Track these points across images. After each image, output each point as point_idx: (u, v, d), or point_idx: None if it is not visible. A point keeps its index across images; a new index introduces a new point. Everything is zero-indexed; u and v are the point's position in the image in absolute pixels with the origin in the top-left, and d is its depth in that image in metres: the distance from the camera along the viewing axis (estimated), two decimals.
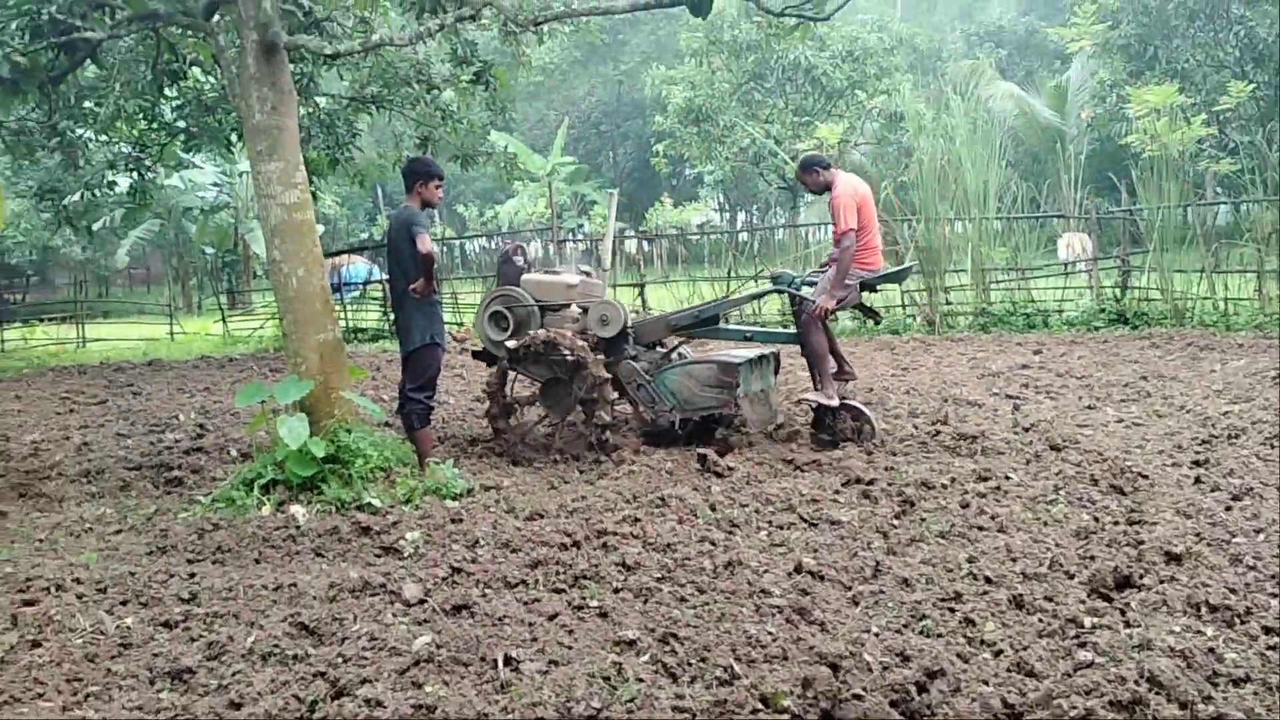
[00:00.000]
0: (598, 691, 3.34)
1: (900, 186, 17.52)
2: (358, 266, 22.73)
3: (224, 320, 20.99)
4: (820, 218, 25.76)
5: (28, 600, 4.53)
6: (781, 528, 5.28)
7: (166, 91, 11.29)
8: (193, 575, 4.83)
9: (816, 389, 7.32)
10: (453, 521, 5.51)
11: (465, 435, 7.97)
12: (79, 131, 12.47)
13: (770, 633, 3.79)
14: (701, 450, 6.69)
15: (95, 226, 25.23)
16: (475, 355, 8.14)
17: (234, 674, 3.64)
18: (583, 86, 48.14)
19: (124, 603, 4.51)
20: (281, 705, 3.35)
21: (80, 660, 3.86)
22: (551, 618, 4.07)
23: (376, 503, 5.89)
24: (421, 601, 4.28)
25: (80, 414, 10.50)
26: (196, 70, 11.42)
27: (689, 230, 30.42)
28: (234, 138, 12.79)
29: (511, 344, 7.22)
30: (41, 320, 23.38)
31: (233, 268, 32.20)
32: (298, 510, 5.81)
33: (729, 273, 16.65)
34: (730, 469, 6.42)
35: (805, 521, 5.37)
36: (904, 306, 15.37)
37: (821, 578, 4.44)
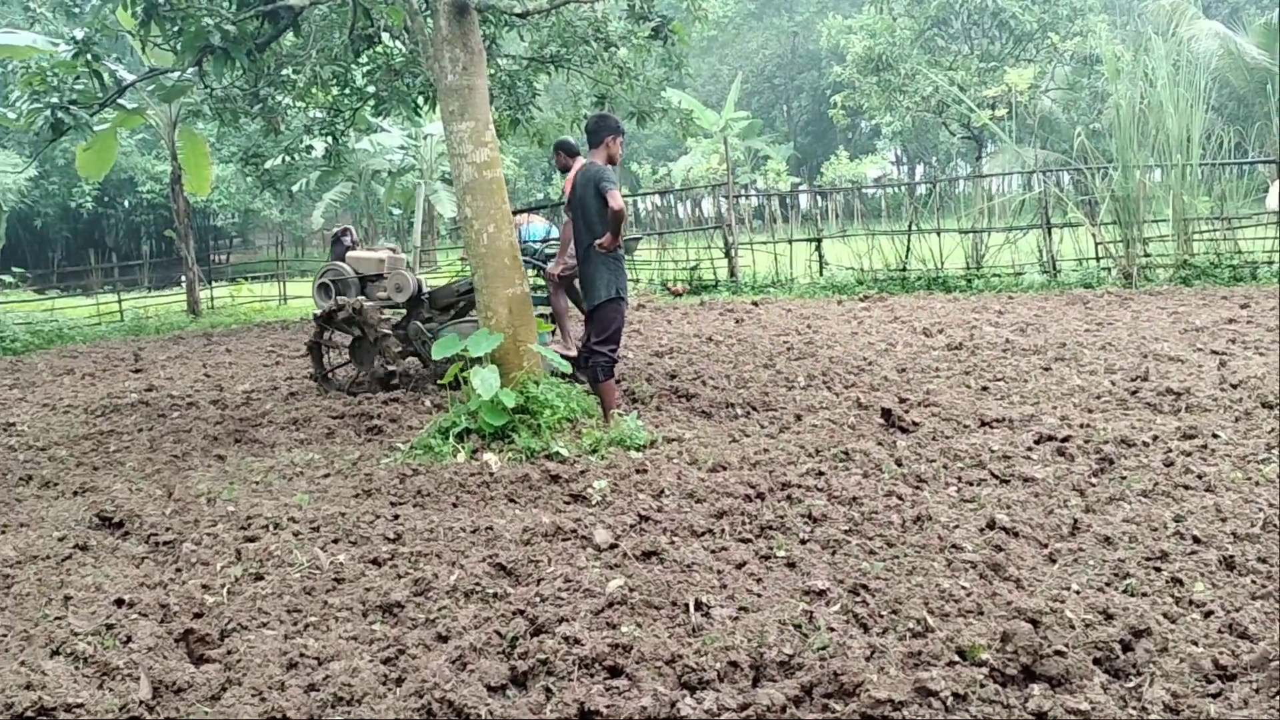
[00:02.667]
0: (789, 638, 3.36)
1: (1093, 134, 16.67)
2: (536, 225, 23.20)
3: None
4: (1003, 168, 24.78)
5: (249, 537, 4.88)
6: (972, 484, 5.16)
7: (358, 58, 11.74)
8: (396, 517, 5.09)
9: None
10: (638, 472, 5.62)
11: (646, 390, 8.08)
12: (279, 98, 13.16)
13: (964, 587, 3.72)
14: (885, 405, 6.60)
15: (293, 189, 26.58)
16: (315, 318, 9.56)
17: (440, 609, 3.84)
18: (756, 40, 47.52)
19: (335, 541, 4.80)
20: (485, 640, 3.50)
21: (299, 593, 4.13)
22: (739, 566, 4.11)
23: (564, 452, 6.06)
24: (612, 547, 4.39)
25: (285, 366, 11.17)
26: (386, 36, 11.83)
27: (865, 183, 29.76)
28: (421, 101, 13.20)
29: (327, 307, 9.08)
30: (246, 279, 24.87)
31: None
32: (491, 458, 6.04)
33: (910, 226, 16.23)
34: (916, 424, 6.31)
35: (996, 478, 5.23)
36: (1098, 259, 14.67)
37: (1016, 534, 4.33)
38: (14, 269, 22.27)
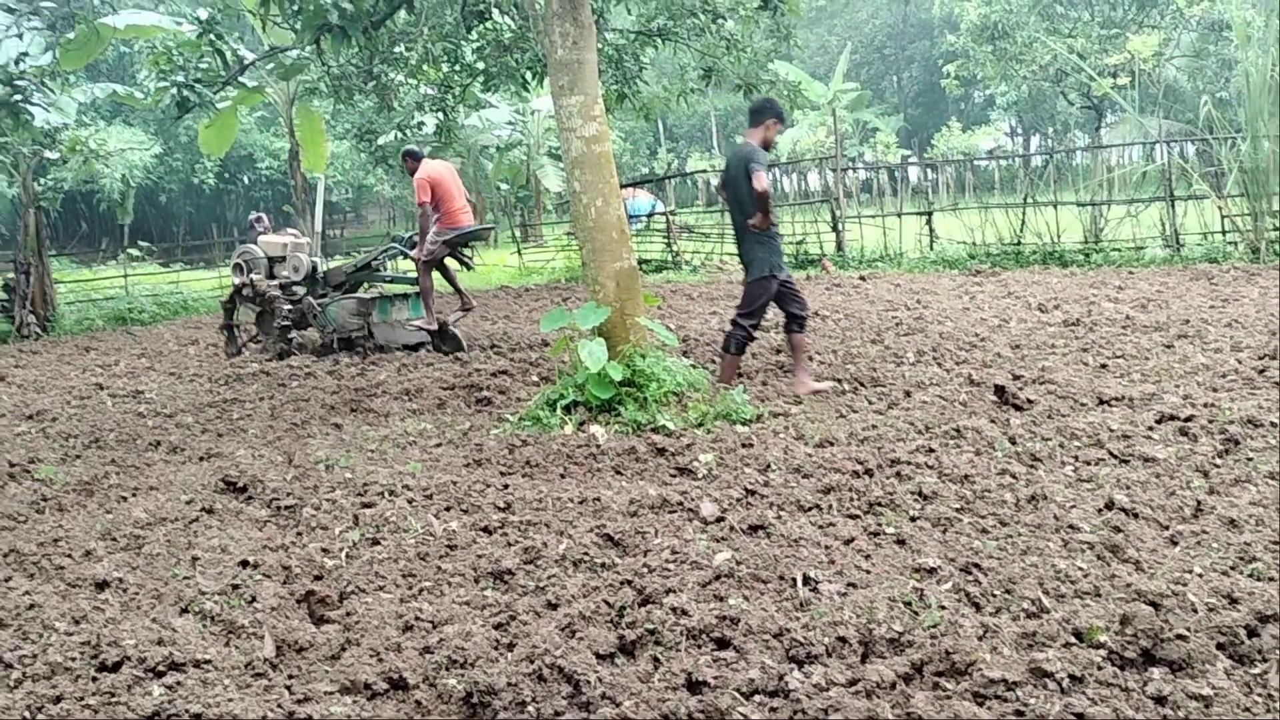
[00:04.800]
0: (899, 615, 3.33)
1: (1220, 103, 15.94)
2: (641, 200, 23.26)
3: (519, 252, 22.09)
4: (1125, 139, 23.89)
5: (366, 503, 5.02)
6: (1089, 463, 5.02)
7: (469, 34, 11.88)
8: (506, 486, 5.18)
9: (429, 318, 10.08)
10: (744, 446, 5.61)
11: (752, 364, 8.05)
12: (392, 75, 13.40)
13: (1080, 568, 3.63)
14: (999, 382, 6.46)
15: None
16: (228, 296, 11.27)
17: (549, 577, 3.90)
18: (866, 9, 46.63)
19: (447, 509, 4.91)
20: (593, 608, 3.55)
21: (414, 558, 4.24)
22: (847, 542, 4.08)
23: (670, 425, 6.08)
24: (719, 520, 4.40)
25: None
26: (496, 12, 11.94)
27: (978, 155, 29.01)
28: (529, 77, 13.31)
29: (233, 285, 10.77)
30: (359, 251, 25.44)
31: (525, 203, 33.73)
32: (597, 430, 6.10)
33: (1025, 199, 15.79)
34: (1030, 402, 6.16)
35: (1115, 458, 5.08)
36: (1224, 233, 14.07)
37: (1135, 515, 4.20)
38: (141, 243, 23.22)
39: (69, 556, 4.53)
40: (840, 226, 17.55)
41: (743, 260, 7.06)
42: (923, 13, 42.75)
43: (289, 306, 10.54)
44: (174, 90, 8.06)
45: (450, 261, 10.35)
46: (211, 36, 8.45)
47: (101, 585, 4.10)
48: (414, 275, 10.71)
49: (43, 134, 13.95)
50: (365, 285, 11.20)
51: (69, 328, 15.87)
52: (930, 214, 17.27)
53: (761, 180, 6.48)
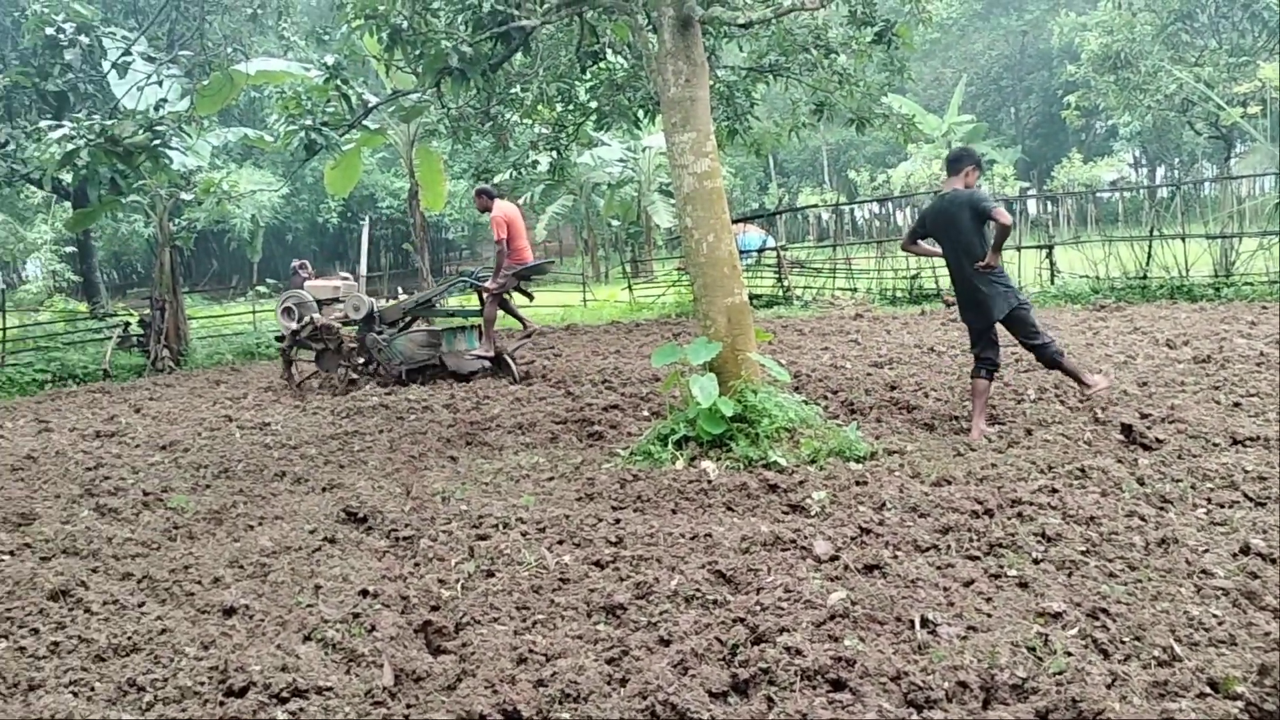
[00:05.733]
0: (1022, 661, 3.23)
1: None
2: (751, 235, 23.24)
3: (629, 288, 22.26)
4: (1256, 169, 22.94)
5: (480, 535, 5.09)
6: (1222, 506, 4.80)
7: (584, 74, 12.08)
8: (618, 521, 5.20)
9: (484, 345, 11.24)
10: (858, 483, 5.53)
11: (865, 400, 7.93)
12: (508, 116, 13.70)
13: (1215, 615, 3.47)
14: (1125, 420, 6.24)
15: (519, 202, 27.63)
16: (278, 339, 12.46)
17: (661, 613, 3.89)
18: (982, 41, 45.96)
19: (560, 542, 4.95)
20: (706, 645, 3.52)
21: (527, 591, 4.28)
22: (967, 584, 3.98)
23: (782, 461, 6.03)
24: (833, 558, 4.34)
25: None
26: (610, 52, 12.12)
27: (1100, 187, 28.20)
28: (641, 114, 13.45)
29: (292, 327, 11.45)
30: (475, 288, 25.96)
31: (635, 239, 34.03)
32: (709, 466, 6.08)
33: (1151, 231, 15.28)
34: (1159, 441, 5.93)
35: (1250, 500, 4.85)
36: None
37: (1273, 561, 4.00)
38: (268, 280, 24.11)
39: (198, 583, 4.70)
40: None
41: (967, 305, 6.89)
42: (1041, 43, 41.92)
43: (356, 344, 11.39)
44: (302, 133, 8.36)
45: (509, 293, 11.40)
46: (338, 81, 8.75)
47: (229, 611, 4.24)
48: (458, 310, 12.17)
49: (179, 176, 14.63)
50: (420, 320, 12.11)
51: (200, 361, 16.55)
52: (1051, 247, 16.84)
53: (1005, 214, 6.44)
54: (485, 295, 11.23)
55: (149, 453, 8.19)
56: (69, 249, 33.54)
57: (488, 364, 11.27)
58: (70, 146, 8.12)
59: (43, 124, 10.48)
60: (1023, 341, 6.91)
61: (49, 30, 15.85)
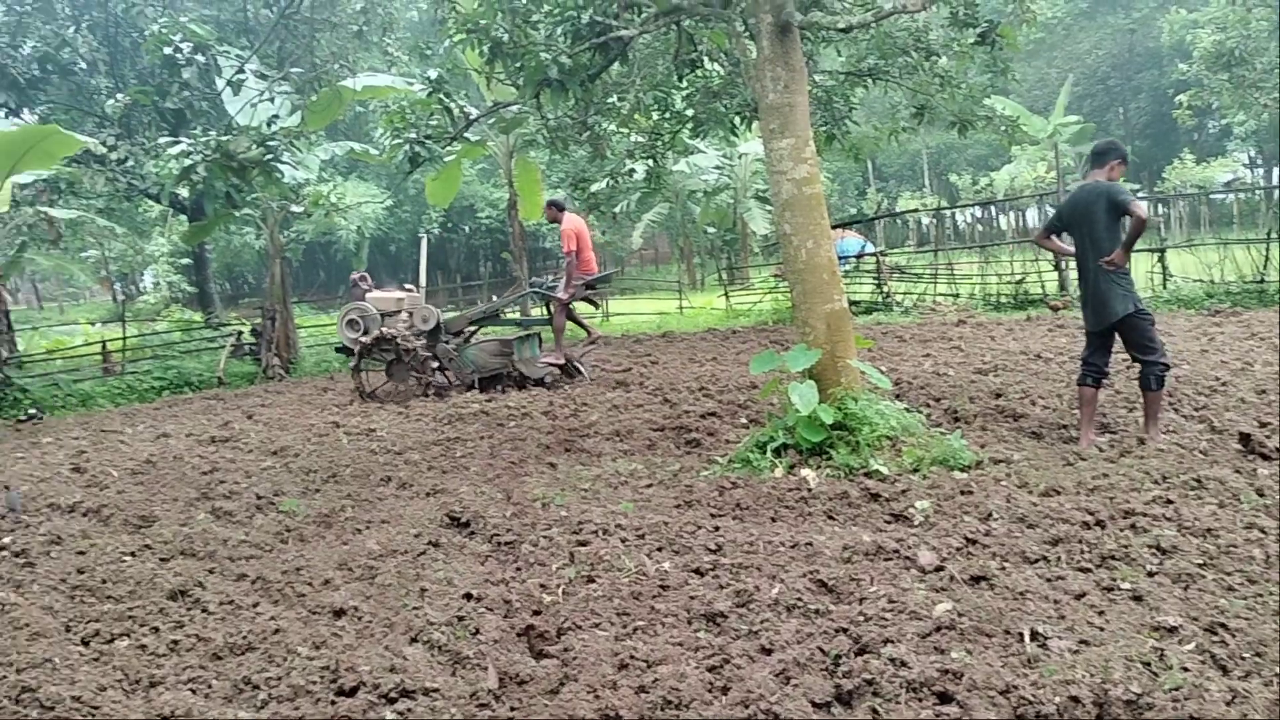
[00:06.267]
0: (1137, 676, 3.13)
1: None
2: (850, 240, 23.00)
3: (726, 295, 22.21)
4: None
5: (580, 541, 5.14)
6: None
7: (681, 82, 12.11)
8: (716, 528, 5.19)
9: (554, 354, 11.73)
10: (962, 493, 5.43)
11: (969, 409, 7.78)
12: (604, 125, 13.81)
13: None
14: (1243, 429, 6.01)
15: (615, 211, 27.82)
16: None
17: (762, 621, 3.87)
18: (1088, 40, 44.76)
19: (659, 549, 4.96)
20: (808, 655, 3.50)
21: (628, 597, 4.30)
22: (1078, 596, 3.87)
23: (884, 470, 5.95)
24: (938, 569, 4.27)
25: (609, 379, 11.65)
26: (706, 59, 12.12)
27: (1213, 188, 27.21)
28: (737, 121, 13.42)
29: (366, 339, 11.64)
30: (604, 294, 26.20)
31: (732, 246, 33.96)
32: (808, 474, 6.04)
33: (1269, 234, 14.68)
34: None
35: None
36: None
37: None
38: (406, 285, 24.68)
39: (309, 585, 4.84)
40: (1063, 265, 16.81)
41: (1087, 302, 6.67)
42: (1150, 41, 40.66)
43: (428, 354, 11.64)
44: (406, 146, 8.56)
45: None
46: (440, 95, 8.94)
47: (339, 613, 4.35)
48: (521, 319, 12.99)
49: (289, 190, 15.10)
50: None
51: (309, 369, 17.02)
52: (1163, 251, 16.30)
53: (1141, 208, 6.14)
54: (554, 304, 11.66)
55: (261, 458, 8.45)
56: (185, 261, 34.89)
57: (557, 370, 11.73)
58: (188, 162, 8.44)
59: (162, 141, 10.92)
60: (1133, 353, 6.60)
61: (167, 50, 16.49)
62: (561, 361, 11.63)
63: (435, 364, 11.75)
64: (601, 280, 12.25)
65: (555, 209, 12.01)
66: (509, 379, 11.71)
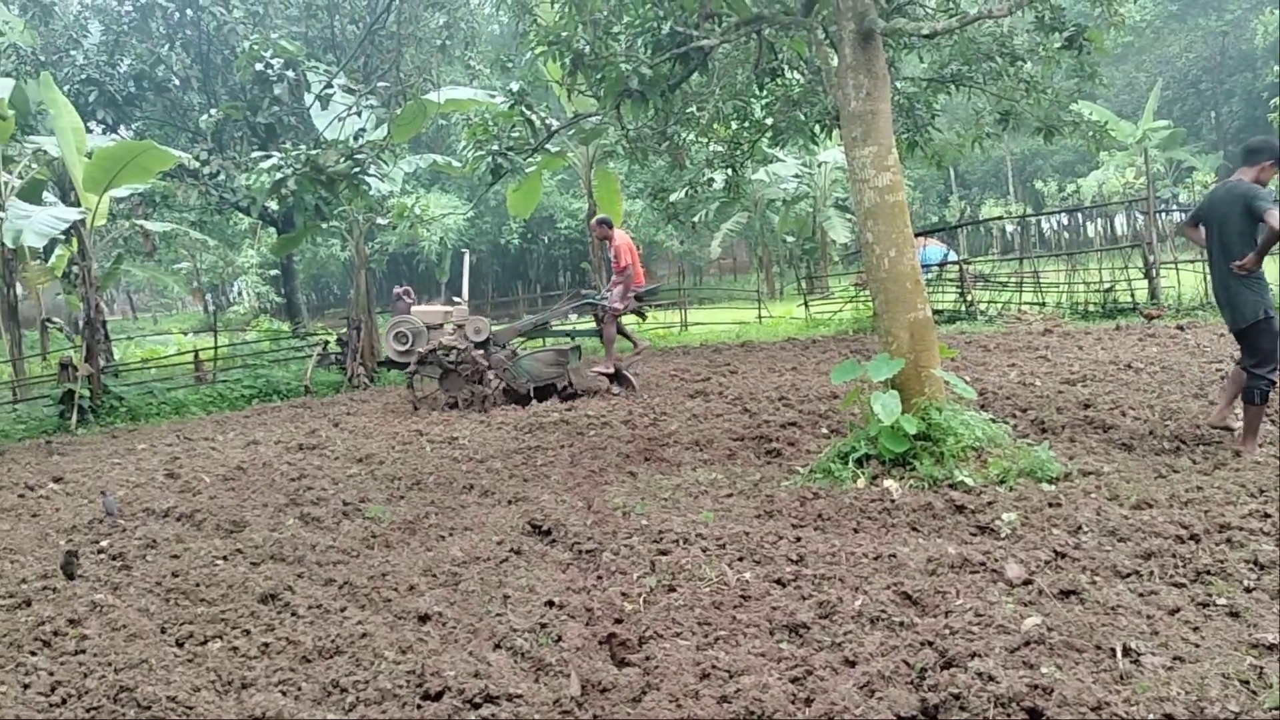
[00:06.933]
0: (1234, 694, 3.04)
1: None
2: (933, 248, 22.69)
3: (805, 304, 22.06)
4: None
5: (661, 550, 5.14)
6: None
7: (761, 91, 12.09)
8: (798, 539, 5.16)
9: (600, 366, 12.16)
10: (1050, 505, 5.32)
11: (1057, 420, 7.62)
12: (684, 135, 13.83)
13: None
14: None
15: (694, 221, 27.83)
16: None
17: (845, 633, 3.84)
18: (1178, 43, 43.56)
19: (740, 559, 4.94)
20: (893, 668, 3.46)
21: (709, 607, 4.30)
22: (1172, 612, 3.77)
23: (969, 481, 5.86)
24: (1026, 582, 4.19)
25: (688, 388, 11.66)
26: (786, 67, 12.07)
27: None
28: (817, 130, 13.33)
29: (421, 351, 12.03)
30: (651, 306, 26.27)
31: (811, 255, 33.70)
32: (891, 484, 5.97)
33: None
34: None
35: None
36: None
37: None
38: (454, 299, 25.02)
39: (395, 590, 4.92)
40: (1154, 273, 16.39)
41: (1220, 303, 6.53)
42: (1243, 44, 39.46)
43: (485, 364, 12.01)
44: (489, 158, 8.67)
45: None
46: (522, 107, 9.04)
47: (424, 618, 4.42)
48: (567, 330, 13.67)
49: (375, 202, 15.40)
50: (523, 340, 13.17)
51: (393, 379, 17.29)
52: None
53: (1274, 217, 5.98)
54: (605, 316, 12.10)
55: (347, 465, 8.62)
56: (273, 272, 35.77)
57: (606, 380, 12.06)
58: (279, 175, 8.65)
59: (253, 155, 11.22)
60: (1245, 359, 6.38)
61: (258, 66, 16.93)
62: (611, 370, 11.99)
63: (493, 375, 12.05)
64: (649, 293, 12.84)
65: (605, 226, 12.60)
66: (557, 390, 11.97)
